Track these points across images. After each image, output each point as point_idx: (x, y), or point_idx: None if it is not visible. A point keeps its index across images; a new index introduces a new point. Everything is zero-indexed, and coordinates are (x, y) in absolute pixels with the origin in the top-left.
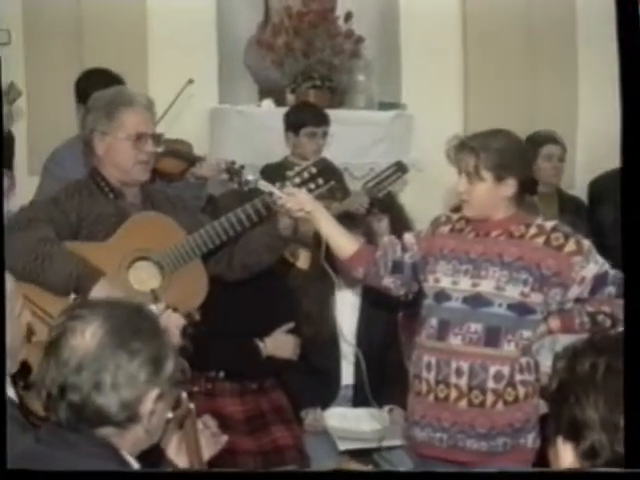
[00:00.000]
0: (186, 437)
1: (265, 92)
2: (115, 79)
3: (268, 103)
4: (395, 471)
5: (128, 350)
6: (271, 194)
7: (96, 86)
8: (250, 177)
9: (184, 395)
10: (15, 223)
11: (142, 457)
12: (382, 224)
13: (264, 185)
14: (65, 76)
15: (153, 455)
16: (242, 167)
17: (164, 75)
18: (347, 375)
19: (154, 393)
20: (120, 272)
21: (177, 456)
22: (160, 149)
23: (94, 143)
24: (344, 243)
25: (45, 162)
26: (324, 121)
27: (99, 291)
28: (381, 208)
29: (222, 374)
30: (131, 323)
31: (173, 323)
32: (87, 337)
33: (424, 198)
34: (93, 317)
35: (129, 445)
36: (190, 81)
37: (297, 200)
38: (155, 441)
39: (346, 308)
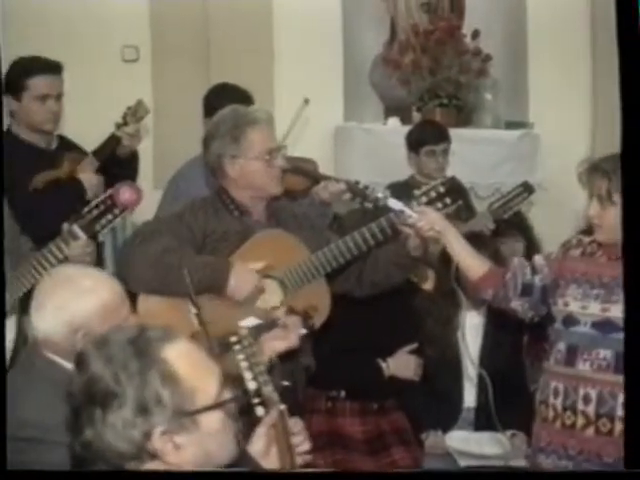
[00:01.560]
0: (277, 440)
1: (391, 110)
2: (244, 95)
3: (394, 121)
4: (395, 471)
5: (110, 397)
6: (398, 213)
7: (225, 102)
8: (380, 194)
9: (275, 397)
10: (139, 235)
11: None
12: (515, 245)
13: (394, 203)
14: (191, 92)
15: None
16: (366, 187)
17: (290, 92)
18: (469, 398)
19: (158, 430)
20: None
21: (264, 458)
22: (286, 165)
23: (225, 167)
24: (474, 264)
25: (169, 180)
26: (443, 139)
27: (236, 280)
28: (512, 229)
29: (343, 393)
30: (116, 364)
31: (291, 323)
32: (77, 380)
33: (550, 219)
34: (84, 358)
35: (189, 465)
36: (306, 101)
37: (428, 219)
38: (230, 452)
39: (470, 330)
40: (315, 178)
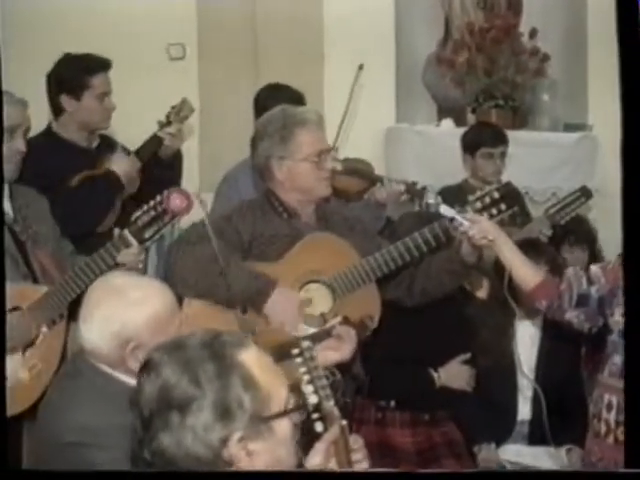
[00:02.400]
0: (337, 456)
1: (444, 111)
2: (295, 95)
3: (447, 123)
4: (395, 471)
5: (187, 400)
6: (452, 219)
7: (276, 102)
8: (431, 200)
9: (336, 413)
10: (186, 238)
11: None
12: (582, 255)
13: (446, 210)
14: (239, 91)
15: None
16: (424, 188)
17: (340, 94)
18: (524, 411)
19: (235, 436)
20: (294, 291)
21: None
22: (339, 167)
23: (273, 169)
24: (528, 273)
25: (218, 184)
26: (501, 141)
27: (275, 303)
28: (579, 238)
29: (393, 403)
30: (193, 367)
31: (346, 333)
32: (149, 387)
33: (608, 226)
34: (156, 362)
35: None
36: (360, 67)
37: (480, 227)
38: (295, 461)
39: (525, 340)
40: (371, 180)
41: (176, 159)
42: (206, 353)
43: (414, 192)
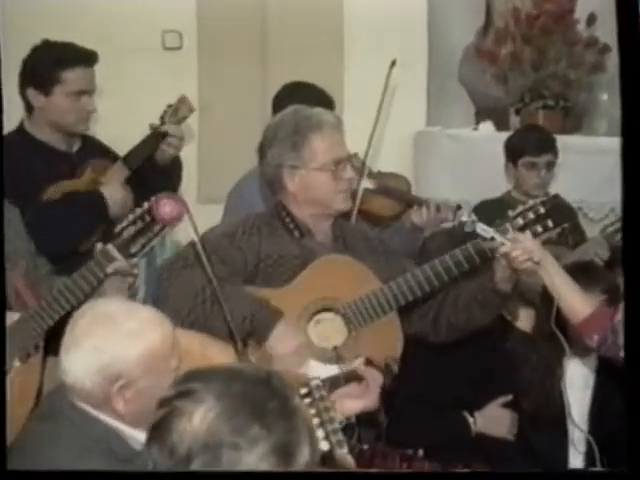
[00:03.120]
0: None
1: (484, 113)
2: (321, 97)
3: (487, 126)
4: (395, 471)
5: (247, 437)
6: (490, 239)
7: (299, 102)
8: (465, 218)
9: (350, 461)
10: (181, 259)
11: None
12: None
13: (483, 230)
14: (245, 89)
15: None
16: (459, 207)
17: (362, 93)
18: (575, 461)
19: None
20: (299, 324)
21: None
22: (371, 185)
23: (283, 180)
24: (577, 302)
25: (228, 196)
26: (548, 148)
27: (278, 338)
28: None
29: (421, 452)
30: (253, 401)
31: (370, 377)
32: (196, 420)
33: None
34: (205, 393)
35: None
36: (393, 63)
37: (523, 248)
38: None
39: (577, 382)
40: (408, 202)
41: (174, 166)
42: (266, 390)
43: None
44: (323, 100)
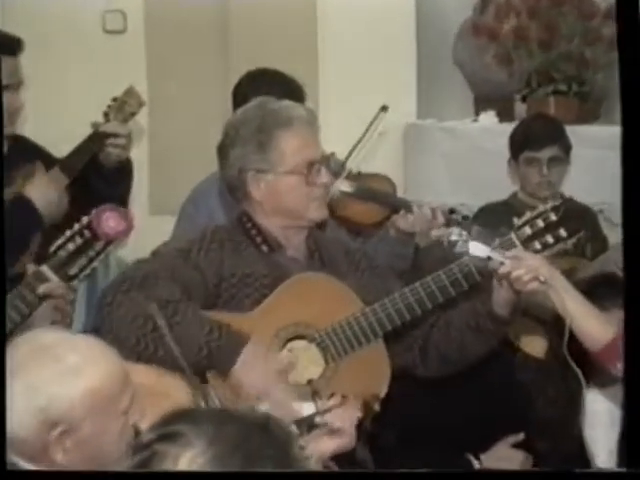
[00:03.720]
0: None
1: (484, 101)
2: (291, 86)
3: (488, 117)
4: (395, 471)
5: None
6: (487, 259)
7: (264, 93)
8: (454, 236)
9: None
10: (126, 280)
11: None
12: None
13: (477, 249)
14: (203, 81)
15: None
16: (466, 218)
17: (340, 82)
18: None
19: None
20: (270, 353)
21: None
22: (349, 189)
23: (248, 186)
24: (594, 328)
25: (183, 204)
26: (551, 140)
27: (244, 366)
28: None
29: None
30: (249, 447)
31: (346, 416)
32: (182, 465)
33: None
34: (194, 437)
35: None
36: (384, 109)
37: (526, 266)
38: None
39: (598, 418)
40: (393, 206)
41: (123, 171)
42: (263, 436)
43: (453, 224)
44: (293, 91)
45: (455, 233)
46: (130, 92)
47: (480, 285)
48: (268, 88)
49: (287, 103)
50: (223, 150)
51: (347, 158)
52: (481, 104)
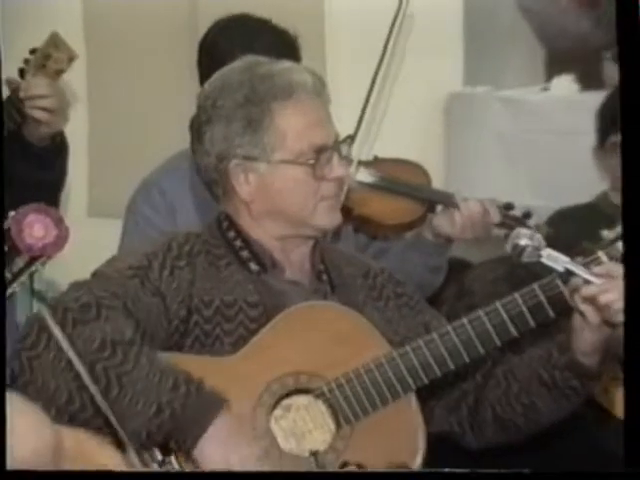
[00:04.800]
0: None
1: (558, 61)
2: (282, 38)
3: (565, 84)
4: (396, 471)
5: None
6: (566, 274)
7: (242, 50)
8: (523, 241)
9: None
10: (57, 313)
11: None
12: None
13: (554, 259)
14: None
15: None
16: (527, 215)
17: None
18: None
19: None
20: (257, 415)
21: None
22: (369, 179)
23: (231, 179)
24: None
25: (134, 199)
26: None
27: (216, 442)
28: None
29: None
30: None
31: None
32: None
33: None
34: None
35: None
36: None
37: (619, 287)
38: None
39: None
40: (426, 202)
41: (56, 148)
42: None
43: (511, 223)
44: (283, 46)
45: (524, 235)
46: (55, 41)
47: (557, 321)
48: (248, 42)
49: (286, 65)
50: (196, 130)
51: (355, 134)
52: (554, 66)
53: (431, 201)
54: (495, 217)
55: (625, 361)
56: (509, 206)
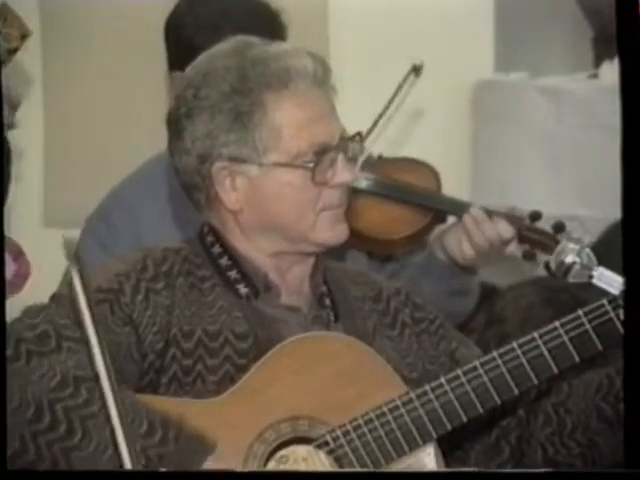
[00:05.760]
0: None
1: (609, 45)
2: (264, 13)
3: (616, 70)
4: (396, 471)
5: None
6: (621, 297)
7: (214, 31)
8: (569, 258)
9: None
10: (9, 345)
11: None
12: None
13: (609, 280)
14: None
15: None
16: (559, 227)
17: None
18: None
19: None
20: (247, 469)
21: None
22: (362, 183)
23: (215, 185)
24: None
25: (100, 208)
26: None
27: None
28: None
29: None
30: None
31: None
32: None
33: None
34: None
35: None
36: (416, 69)
37: None
38: None
39: None
40: (439, 211)
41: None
42: None
43: (534, 236)
44: (266, 23)
45: (571, 251)
46: (4, 14)
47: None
48: (227, 19)
49: (283, 47)
50: (174, 125)
51: (368, 133)
52: (604, 49)
53: (439, 211)
54: (506, 232)
55: (625, 361)
56: (536, 215)
